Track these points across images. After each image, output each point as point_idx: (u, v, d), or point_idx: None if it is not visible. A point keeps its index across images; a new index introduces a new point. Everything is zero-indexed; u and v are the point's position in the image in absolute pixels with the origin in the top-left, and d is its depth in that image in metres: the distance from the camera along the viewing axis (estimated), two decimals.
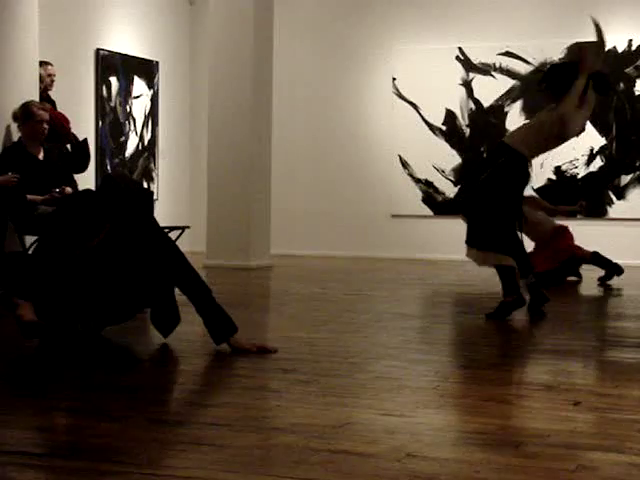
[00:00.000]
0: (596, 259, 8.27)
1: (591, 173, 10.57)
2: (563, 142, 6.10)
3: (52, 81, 8.23)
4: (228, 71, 9.65)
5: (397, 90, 11.39)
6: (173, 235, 7.79)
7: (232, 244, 9.54)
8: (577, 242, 8.48)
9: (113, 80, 10.70)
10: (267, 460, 2.63)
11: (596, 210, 10.54)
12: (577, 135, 6.13)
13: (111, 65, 10.65)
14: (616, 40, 10.57)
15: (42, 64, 8.14)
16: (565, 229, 8.43)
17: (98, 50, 10.45)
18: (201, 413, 3.20)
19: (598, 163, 10.70)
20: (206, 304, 4.35)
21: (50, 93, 8.18)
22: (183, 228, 8.06)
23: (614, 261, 8.26)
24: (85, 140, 7.73)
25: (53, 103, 8.14)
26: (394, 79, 11.40)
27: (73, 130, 7.85)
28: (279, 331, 5.42)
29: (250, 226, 9.59)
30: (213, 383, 3.76)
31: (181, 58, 12.14)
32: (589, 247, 8.44)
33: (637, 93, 10.54)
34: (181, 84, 12.15)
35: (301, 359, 4.24)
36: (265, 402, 3.44)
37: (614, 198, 10.63)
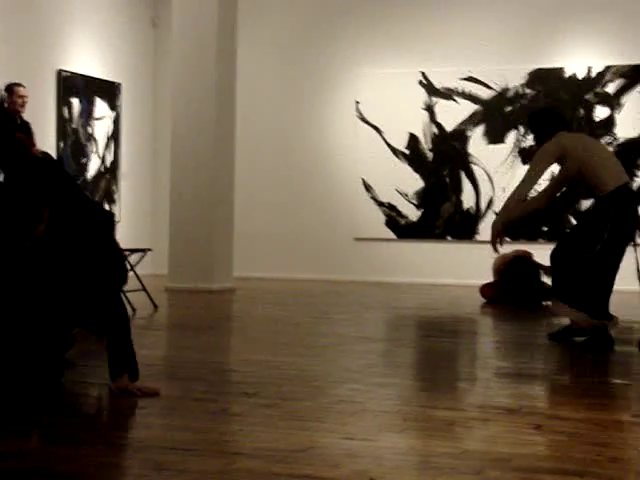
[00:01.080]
0: None
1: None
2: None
3: (24, 103, 8.18)
4: (191, 94, 9.63)
5: (360, 114, 11.45)
6: (135, 258, 7.74)
7: (194, 267, 9.49)
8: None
9: (75, 101, 10.65)
10: None
11: (557, 234, 10.63)
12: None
13: (73, 86, 10.60)
14: (576, 67, 10.72)
15: (13, 86, 8.12)
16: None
17: (60, 71, 10.39)
18: (162, 437, 3.16)
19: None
20: (118, 340, 3.96)
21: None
22: (145, 251, 7.99)
23: None
24: (46, 154, 7.67)
25: (27, 126, 8.07)
26: (357, 102, 11.46)
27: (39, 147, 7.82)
28: (241, 354, 5.39)
29: (213, 249, 9.56)
30: (174, 407, 3.72)
31: (144, 80, 12.11)
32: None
33: (596, 119, 10.68)
34: (144, 106, 12.11)
35: (263, 382, 4.21)
36: (227, 426, 3.41)
37: (574, 222, 10.75)
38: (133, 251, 7.82)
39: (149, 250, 8.24)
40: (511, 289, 8.62)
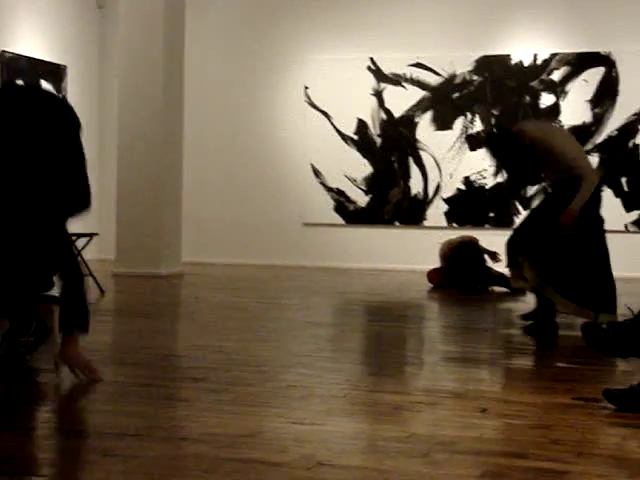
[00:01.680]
0: (502, 280, 8.39)
1: (499, 184, 10.78)
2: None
3: None
4: (138, 77, 9.53)
5: (309, 99, 11.44)
6: (80, 243, 7.66)
7: (142, 252, 9.41)
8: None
9: (19, 83, 10.48)
10: (176, 470, 2.61)
11: (503, 220, 10.75)
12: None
13: (17, 68, 10.43)
14: (522, 54, 10.82)
15: None
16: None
17: (3, 52, 10.22)
18: (109, 423, 3.14)
19: (505, 174, 10.89)
20: (71, 290, 3.91)
21: None
22: (91, 235, 7.91)
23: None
24: None
25: None
26: (306, 88, 11.45)
27: None
28: (189, 339, 5.38)
29: (161, 233, 9.49)
30: (121, 393, 3.70)
31: (90, 63, 11.95)
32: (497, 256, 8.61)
33: (542, 106, 10.80)
34: (90, 89, 11.96)
35: (212, 368, 4.21)
36: (174, 411, 3.40)
37: (521, 208, 10.87)
38: (79, 235, 7.74)
39: (95, 235, 8.16)
40: (457, 274, 8.70)
